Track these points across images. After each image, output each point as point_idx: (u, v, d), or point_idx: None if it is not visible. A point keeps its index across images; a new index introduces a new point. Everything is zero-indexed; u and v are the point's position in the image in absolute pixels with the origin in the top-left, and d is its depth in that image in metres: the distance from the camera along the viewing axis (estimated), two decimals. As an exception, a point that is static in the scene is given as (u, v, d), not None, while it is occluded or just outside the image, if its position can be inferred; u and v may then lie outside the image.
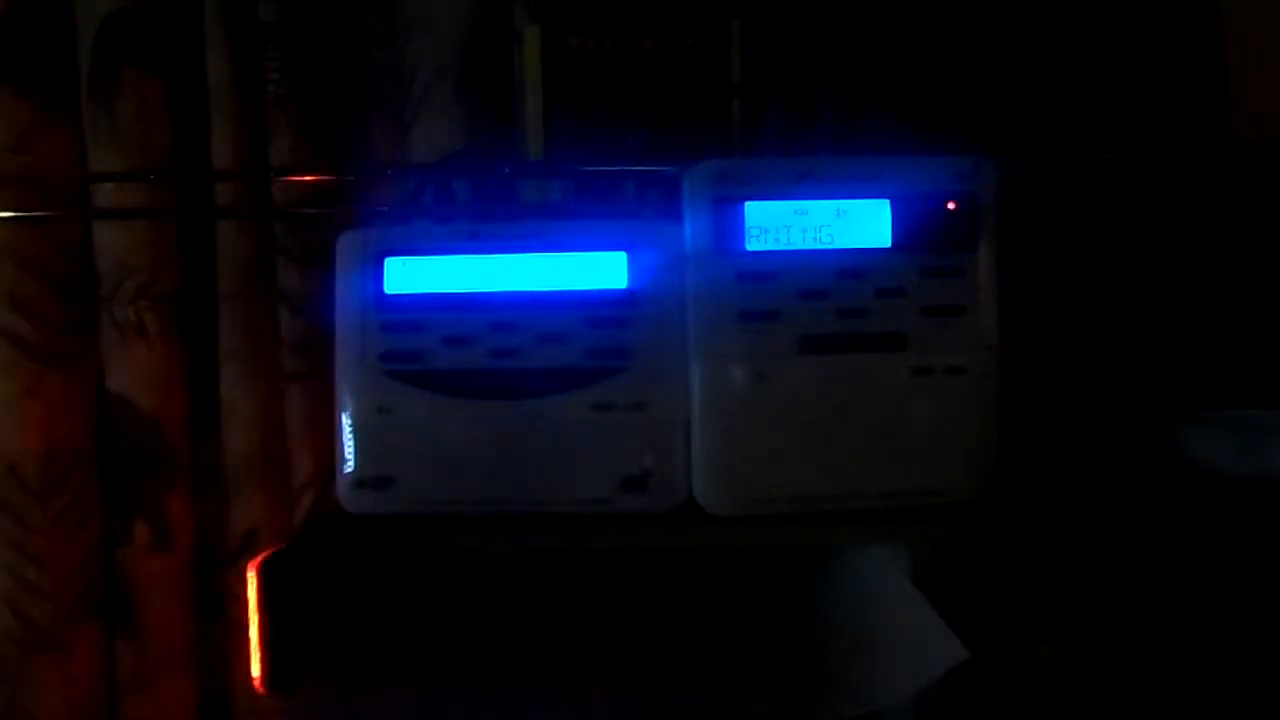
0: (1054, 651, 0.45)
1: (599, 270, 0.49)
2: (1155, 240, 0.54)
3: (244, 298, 0.70)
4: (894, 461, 0.47)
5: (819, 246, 0.48)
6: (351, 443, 0.49)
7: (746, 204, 0.48)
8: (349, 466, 0.49)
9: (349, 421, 0.49)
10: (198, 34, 0.69)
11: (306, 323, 0.68)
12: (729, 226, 0.48)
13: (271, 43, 0.68)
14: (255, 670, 0.46)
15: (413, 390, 0.48)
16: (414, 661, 0.50)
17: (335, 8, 0.70)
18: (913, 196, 0.48)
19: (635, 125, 0.62)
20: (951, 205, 0.47)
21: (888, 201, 0.48)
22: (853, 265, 0.48)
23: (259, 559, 0.46)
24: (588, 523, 0.48)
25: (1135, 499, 0.50)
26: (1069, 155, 0.56)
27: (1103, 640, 0.45)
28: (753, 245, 0.48)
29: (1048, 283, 0.54)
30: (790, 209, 0.48)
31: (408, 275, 0.49)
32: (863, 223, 0.48)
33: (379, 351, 0.49)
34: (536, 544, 0.48)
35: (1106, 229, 0.55)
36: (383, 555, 0.49)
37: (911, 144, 0.54)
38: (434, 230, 0.55)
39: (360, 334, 0.49)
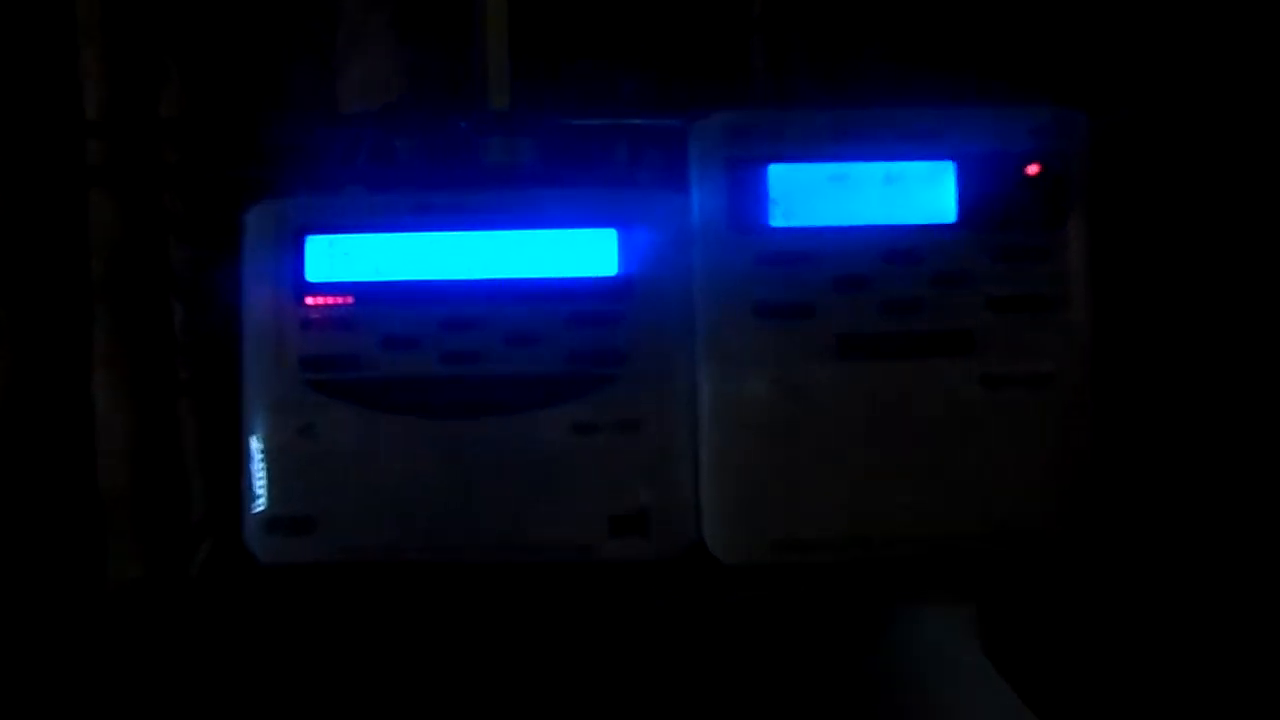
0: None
1: (582, 252, 0.49)
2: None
3: (123, 287, 0.68)
4: (957, 495, 0.47)
5: (862, 222, 0.48)
6: (263, 474, 0.49)
7: (770, 167, 0.48)
8: (260, 504, 0.49)
9: (260, 446, 0.49)
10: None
11: (204, 319, 0.67)
12: (748, 196, 0.48)
13: (160, -36, 0.67)
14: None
15: (342, 406, 0.48)
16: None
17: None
18: (984, 158, 0.48)
19: (629, 68, 0.62)
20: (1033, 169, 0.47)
21: (952, 164, 0.48)
22: (905, 246, 0.47)
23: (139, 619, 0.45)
24: (568, 575, 0.48)
25: (1259, 537, 0.50)
26: (1178, 107, 0.56)
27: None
28: (778, 221, 0.47)
29: (1152, 267, 0.54)
30: (826, 174, 0.48)
31: (336, 258, 0.49)
32: (919, 191, 0.48)
33: (299, 356, 0.49)
34: (501, 602, 0.48)
35: (1226, 200, 0.55)
36: (303, 613, 0.49)
37: (976, 94, 0.53)
38: (369, 201, 0.54)
39: (275, 334, 0.49)
